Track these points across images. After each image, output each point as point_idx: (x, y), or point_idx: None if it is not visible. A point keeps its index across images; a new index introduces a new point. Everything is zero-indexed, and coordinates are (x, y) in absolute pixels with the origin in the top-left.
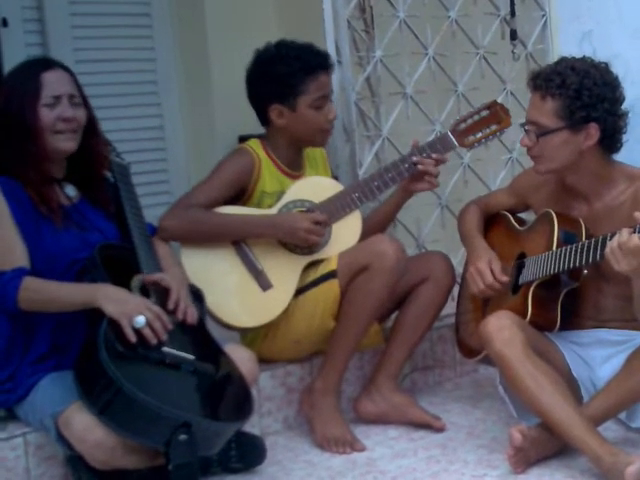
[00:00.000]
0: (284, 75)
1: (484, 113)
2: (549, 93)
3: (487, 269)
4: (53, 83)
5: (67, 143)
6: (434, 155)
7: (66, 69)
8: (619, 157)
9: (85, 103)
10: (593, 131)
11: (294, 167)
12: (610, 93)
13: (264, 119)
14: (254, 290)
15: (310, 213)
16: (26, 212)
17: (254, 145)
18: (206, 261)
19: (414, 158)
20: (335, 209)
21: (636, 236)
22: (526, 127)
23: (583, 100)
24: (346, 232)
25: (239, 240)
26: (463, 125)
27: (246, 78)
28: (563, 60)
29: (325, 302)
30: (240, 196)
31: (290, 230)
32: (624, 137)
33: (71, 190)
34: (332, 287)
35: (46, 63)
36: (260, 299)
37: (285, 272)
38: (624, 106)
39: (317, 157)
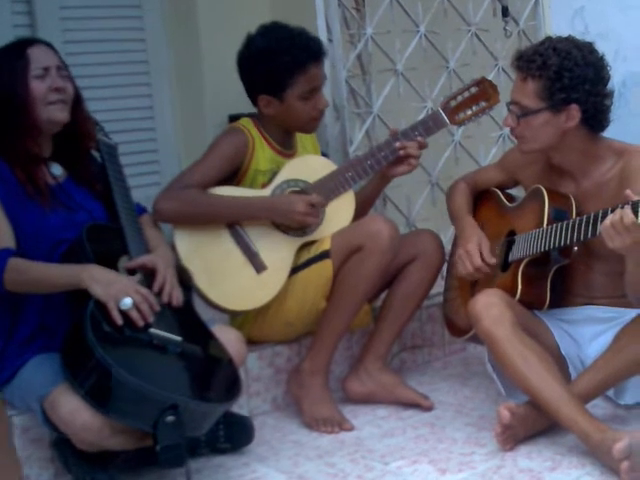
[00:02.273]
0: (271, 70)
1: (473, 90)
2: (530, 74)
3: (476, 251)
4: (39, 56)
5: (60, 113)
6: (419, 138)
7: (49, 44)
8: (613, 131)
9: (70, 78)
10: (574, 112)
11: (286, 146)
12: (592, 74)
13: (254, 103)
14: (249, 273)
15: (306, 195)
16: (10, 191)
17: (247, 124)
18: (200, 243)
19: (397, 144)
20: (329, 189)
21: (629, 212)
22: (510, 107)
23: (563, 82)
24: (339, 212)
25: (234, 222)
26: (453, 102)
27: (237, 63)
28: (547, 40)
29: (317, 282)
30: (234, 175)
31: (287, 213)
32: (613, 114)
33: (57, 169)
34: (325, 267)
35: (29, 40)
36: (254, 282)
37: (279, 254)
38: (615, 82)
39: (306, 135)
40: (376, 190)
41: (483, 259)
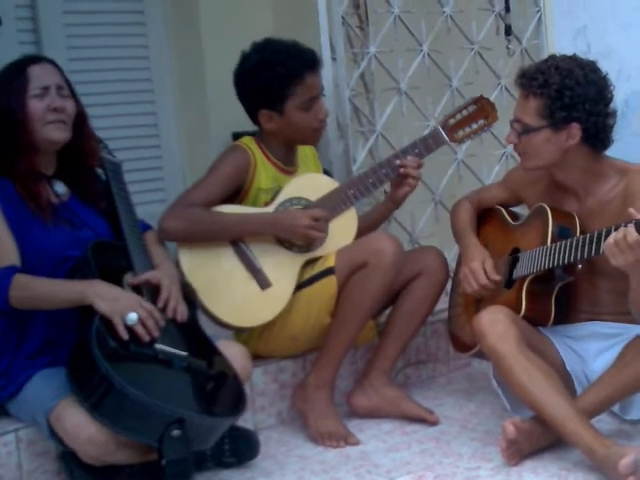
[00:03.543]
0: (268, 82)
1: (471, 108)
2: (531, 92)
3: (480, 269)
4: (40, 75)
5: (58, 133)
6: (409, 157)
7: (52, 62)
8: (616, 151)
9: (74, 96)
10: (575, 131)
11: (288, 163)
12: (594, 93)
13: (254, 121)
14: (253, 289)
15: (309, 209)
16: (15, 209)
17: (248, 142)
18: (204, 260)
19: (397, 161)
20: (331, 207)
21: (633, 231)
22: (512, 124)
23: (564, 100)
24: (342, 229)
25: (237, 239)
26: (452, 121)
27: (233, 82)
28: (550, 58)
29: (322, 299)
30: (236, 194)
31: (290, 227)
32: (615, 134)
33: (60, 187)
34: (330, 284)
35: (32, 58)
36: (259, 298)
37: (283, 270)
38: (618, 102)
39: (308, 153)
40: (382, 216)
41: (487, 276)
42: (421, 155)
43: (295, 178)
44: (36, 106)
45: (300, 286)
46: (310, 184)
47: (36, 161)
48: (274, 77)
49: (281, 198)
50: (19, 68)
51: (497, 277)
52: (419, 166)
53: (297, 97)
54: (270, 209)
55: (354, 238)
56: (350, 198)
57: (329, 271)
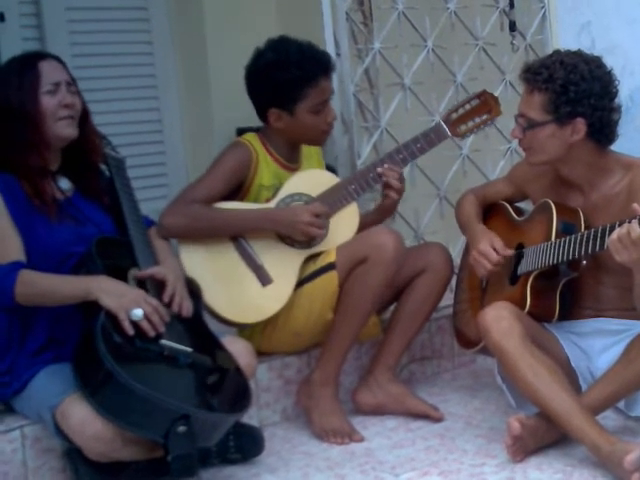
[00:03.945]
0: (283, 83)
1: (474, 102)
2: (536, 87)
3: (490, 249)
4: (50, 71)
5: (69, 129)
6: (386, 166)
7: (58, 59)
8: (619, 146)
9: (78, 92)
10: (580, 126)
11: (291, 160)
12: (598, 88)
13: (262, 118)
14: (254, 285)
15: (310, 205)
16: (20, 205)
17: (251, 139)
18: (205, 257)
19: (379, 169)
20: (332, 202)
21: (637, 227)
22: (517, 119)
23: (569, 95)
24: (343, 224)
25: (238, 236)
26: (455, 115)
27: (245, 77)
28: (555, 53)
29: (324, 294)
30: (238, 190)
31: (291, 223)
32: (620, 128)
33: (65, 183)
34: (331, 279)
35: (39, 54)
36: (260, 294)
37: (284, 266)
38: (622, 97)
39: (312, 150)
40: (377, 222)
41: (498, 253)
42: (423, 150)
43: (296, 174)
44: (48, 102)
45: (301, 282)
46: (311, 180)
47: (43, 157)
48: (288, 78)
49: (282, 194)
50: (27, 64)
51: (509, 251)
52: (400, 177)
53: (309, 100)
54: (271, 205)
55: (355, 234)
56: (351, 193)
57: (330, 266)
